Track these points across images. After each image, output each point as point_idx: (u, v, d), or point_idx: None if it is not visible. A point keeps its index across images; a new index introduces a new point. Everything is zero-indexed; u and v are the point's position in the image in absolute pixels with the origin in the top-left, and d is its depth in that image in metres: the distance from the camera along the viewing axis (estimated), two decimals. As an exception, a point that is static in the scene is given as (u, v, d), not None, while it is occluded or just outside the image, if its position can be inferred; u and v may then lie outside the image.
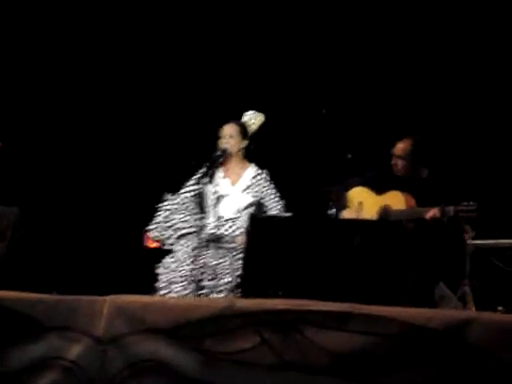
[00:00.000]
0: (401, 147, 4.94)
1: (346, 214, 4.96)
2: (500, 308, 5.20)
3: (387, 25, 6.32)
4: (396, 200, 4.83)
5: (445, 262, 4.96)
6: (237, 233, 4.72)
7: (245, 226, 4.70)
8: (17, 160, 6.46)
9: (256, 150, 4.97)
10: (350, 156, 5.43)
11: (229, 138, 4.82)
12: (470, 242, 5.32)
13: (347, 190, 5.01)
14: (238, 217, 4.76)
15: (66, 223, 6.51)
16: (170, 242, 4.71)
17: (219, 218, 4.75)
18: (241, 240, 4.62)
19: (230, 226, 4.74)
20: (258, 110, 4.98)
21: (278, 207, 4.80)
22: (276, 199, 4.82)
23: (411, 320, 2.79)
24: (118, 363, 2.95)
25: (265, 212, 4.81)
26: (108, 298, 3.05)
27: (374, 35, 6.33)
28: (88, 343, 2.98)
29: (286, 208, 4.86)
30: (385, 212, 4.88)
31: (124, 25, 6.60)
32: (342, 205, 4.97)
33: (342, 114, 6.24)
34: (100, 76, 6.62)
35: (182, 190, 4.89)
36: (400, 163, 4.93)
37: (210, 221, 4.76)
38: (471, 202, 4.60)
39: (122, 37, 6.60)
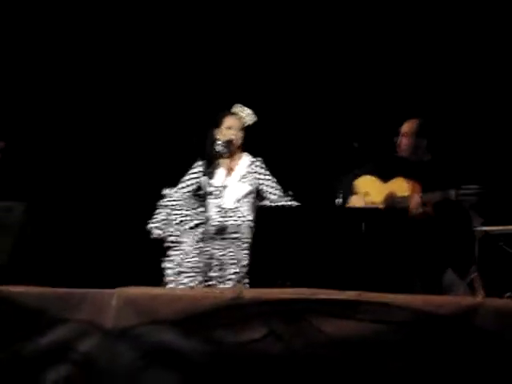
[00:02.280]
0: (407, 126, 5.05)
1: (354, 201, 4.98)
2: (508, 294, 5.20)
3: (388, 11, 6.31)
4: (401, 187, 4.89)
5: (453, 248, 4.96)
6: (239, 222, 4.73)
7: (245, 214, 4.71)
8: (23, 156, 6.48)
9: (261, 140, 4.96)
10: (356, 145, 5.43)
11: (237, 130, 4.80)
12: (478, 227, 5.32)
13: (353, 180, 5.06)
14: (238, 206, 4.76)
15: (73, 217, 6.52)
16: (173, 238, 4.71)
17: (220, 209, 4.75)
18: (244, 229, 4.63)
19: (232, 216, 4.74)
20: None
21: (277, 193, 4.80)
22: (273, 185, 4.81)
23: (420, 307, 2.80)
24: (127, 355, 2.96)
25: (264, 199, 4.81)
26: (116, 290, 3.06)
27: (375, 23, 6.32)
28: (98, 335, 3.00)
29: (294, 198, 4.86)
30: (390, 199, 4.92)
31: (119, 23, 6.59)
32: (349, 194, 5.00)
33: (348, 103, 6.23)
34: (99, 71, 6.62)
35: (182, 185, 4.88)
36: (404, 141, 5.01)
37: (212, 213, 4.76)
38: (473, 186, 4.62)
39: (117, 33, 6.60)
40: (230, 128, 4.81)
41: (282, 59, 6.45)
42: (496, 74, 6.17)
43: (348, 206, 4.94)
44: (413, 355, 2.79)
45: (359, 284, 3.35)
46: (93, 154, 6.61)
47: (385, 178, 4.98)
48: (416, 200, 4.77)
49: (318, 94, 6.30)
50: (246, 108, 4.90)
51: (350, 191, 5.02)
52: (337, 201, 4.85)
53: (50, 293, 3.09)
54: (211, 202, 4.78)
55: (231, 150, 4.83)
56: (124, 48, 6.61)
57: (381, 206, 4.90)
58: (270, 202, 4.77)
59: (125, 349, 2.96)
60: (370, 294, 2.88)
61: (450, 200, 4.70)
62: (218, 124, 4.84)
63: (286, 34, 6.45)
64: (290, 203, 4.71)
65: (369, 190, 4.99)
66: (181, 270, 4.57)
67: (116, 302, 3.00)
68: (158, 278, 4.70)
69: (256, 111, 4.97)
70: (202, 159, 4.85)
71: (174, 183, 4.99)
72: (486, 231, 5.44)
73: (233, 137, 4.80)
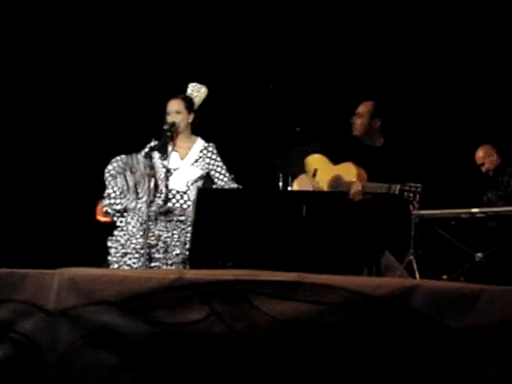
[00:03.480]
0: (362, 106, 5.15)
1: (298, 182, 5.05)
2: (444, 277, 5.32)
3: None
4: (348, 172, 4.97)
5: (390, 231, 5.05)
6: (185, 206, 4.74)
7: (193, 198, 4.72)
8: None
9: (206, 124, 4.97)
10: (298, 129, 5.49)
11: (175, 113, 4.81)
12: (415, 212, 5.43)
13: (305, 155, 5.13)
14: (188, 190, 4.78)
15: (14, 197, 6.45)
16: (126, 206, 4.68)
17: (169, 191, 4.76)
18: (190, 213, 4.64)
19: (179, 200, 4.76)
20: (206, 83, 4.97)
21: (225, 180, 4.83)
22: (223, 172, 4.84)
23: (358, 288, 2.85)
24: (68, 335, 2.95)
25: (212, 184, 4.83)
26: (58, 271, 3.05)
27: (319, 8, 6.37)
28: (38, 316, 2.98)
29: (236, 181, 4.89)
30: (336, 182, 4.99)
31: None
32: (298, 170, 5.08)
33: (290, 87, 6.28)
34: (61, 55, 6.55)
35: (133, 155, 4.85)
36: (358, 121, 5.11)
37: (160, 194, 4.76)
38: (417, 184, 4.69)
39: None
40: (168, 113, 4.82)
41: (226, 43, 6.46)
42: (449, 68, 6.29)
43: (291, 188, 5.01)
44: (351, 336, 2.84)
45: (299, 265, 3.40)
46: (34, 132, 6.54)
47: (335, 158, 5.07)
48: (357, 188, 4.84)
49: (260, 79, 6.33)
50: (199, 85, 4.90)
51: (297, 166, 5.10)
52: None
53: (-10, 273, 3.07)
54: (161, 183, 4.77)
55: (175, 132, 4.82)
56: (83, 28, 6.54)
57: (324, 189, 4.97)
58: (219, 187, 4.79)
59: (66, 329, 2.96)
60: (310, 276, 2.92)
61: (393, 194, 4.77)
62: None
63: (230, 17, 6.46)
64: (235, 187, 4.74)
65: (318, 168, 5.08)
66: (125, 252, 4.56)
67: (57, 282, 2.99)
68: (100, 259, 4.69)
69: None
70: (156, 139, 4.83)
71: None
72: (422, 215, 5.55)
73: (175, 120, 4.80)
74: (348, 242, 3.91)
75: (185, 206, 4.74)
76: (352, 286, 2.86)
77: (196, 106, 4.90)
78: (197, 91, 4.90)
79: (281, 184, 5.13)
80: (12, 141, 6.53)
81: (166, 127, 4.78)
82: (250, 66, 6.42)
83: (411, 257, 5.38)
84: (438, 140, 6.26)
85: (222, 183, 4.81)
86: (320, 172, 5.06)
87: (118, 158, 4.81)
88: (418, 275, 5.24)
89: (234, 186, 4.79)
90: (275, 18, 6.41)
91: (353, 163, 4.96)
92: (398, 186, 4.70)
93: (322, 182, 5.02)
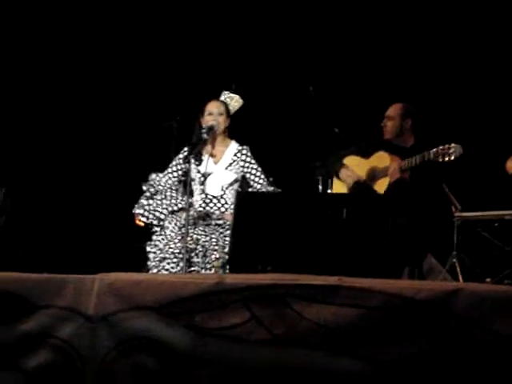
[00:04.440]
0: (392, 108, 5.12)
1: (342, 174, 5.04)
2: (488, 279, 5.24)
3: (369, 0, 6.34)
4: (382, 159, 4.98)
5: (433, 234, 5.00)
6: (223, 210, 4.74)
7: (230, 202, 4.72)
8: (2, 141, 6.45)
9: (244, 127, 4.97)
10: (337, 130, 5.47)
11: (218, 115, 4.81)
12: (457, 214, 5.36)
13: (342, 158, 5.12)
14: (223, 194, 4.76)
15: (54, 202, 6.50)
16: (156, 222, 4.71)
17: (205, 196, 4.76)
18: (228, 217, 4.63)
19: (216, 204, 4.75)
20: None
21: (261, 181, 4.81)
22: (258, 174, 4.82)
23: (399, 292, 2.81)
24: (108, 341, 2.96)
25: (248, 187, 4.82)
26: (98, 276, 3.06)
27: (356, 13, 6.34)
28: (79, 321, 2.99)
29: (276, 184, 4.87)
30: (372, 172, 4.99)
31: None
32: (338, 166, 5.07)
33: (328, 89, 6.25)
34: (83, 61, 6.59)
35: (168, 170, 4.88)
36: (389, 124, 5.08)
37: (197, 199, 4.76)
38: (452, 144, 4.65)
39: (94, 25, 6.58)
40: (210, 114, 4.82)
41: (263, 45, 6.45)
42: (478, 59, 6.21)
43: (337, 179, 5.02)
44: (392, 340, 2.80)
45: (340, 269, 3.37)
46: (74, 138, 6.60)
47: (367, 156, 5.07)
48: (394, 167, 4.84)
49: (299, 81, 6.31)
50: (232, 94, 4.90)
51: (335, 169, 5.09)
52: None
53: (31, 278, 3.09)
54: (196, 188, 4.78)
55: (214, 135, 4.83)
56: (104, 33, 6.58)
57: (363, 180, 4.96)
58: (255, 190, 4.79)
59: (106, 335, 2.96)
60: (350, 279, 2.90)
61: (429, 164, 4.73)
62: (201, 112, 4.85)
63: (267, 22, 6.45)
64: (272, 190, 4.73)
65: (353, 168, 5.07)
66: (164, 256, 4.57)
67: (97, 287, 3.00)
68: (140, 264, 4.70)
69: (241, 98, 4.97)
70: (189, 146, 4.85)
71: (156, 166, 4.99)
72: (464, 217, 5.48)
73: (214, 122, 4.80)
74: (389, 245, 3.87)
75: (222, 210, 4.74)
76: (393, 289, 2.82)
77: (230, 113, 4.90)
78: (230, 99, 4.89)
79: (320, 187, 5.11)
80: (51, 146, 6.59)
81: (204, 129, 4.78)
82: (290, 68, 6.40)
83: (454, 260, 5.31)
84: (479, 139, 6.17)
85: (258, 185, 4.79)
86: (355, 169, 5.06)
87: (154, 176, 4.83)
88: (461, 278, 5.17)
89: (270, 188, 4.78)
90: (316, 20, 6.39)
91: (384, 151, 4.97)
92: (432, 151, 4.67)
93: (359, 177, 5.02)
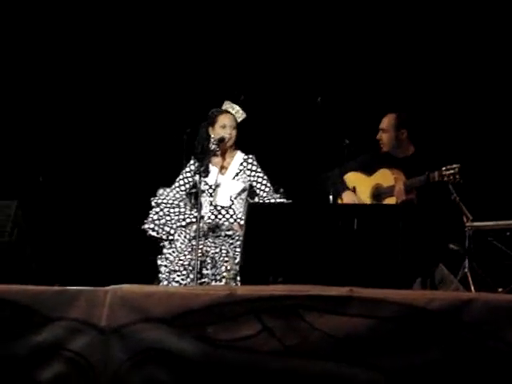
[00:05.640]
0: (384, 121, 5.10)
1: (346, 197, 5.00)
2: (500, 289, 5.22)
3: (377, 13, 6.35)
4: (385, 177, 4.94)
5: (445, 244, 4.99)
6: (231, 220, 4.74)
7: (238, 212, 4.72)
8: (14, 153, 6.47)
9: (254, 138, 4.98)
10: (347, 142, 5.46)
11: (232, 128, 4.81)
12: (469, 224, 5.34)
13: (344, 173, 5.09)
14: (232, 204, 4.76)
15: (65, 215, 6.52)
16: (165, 237, 4.72)
17: (214, 207, 4.75)
18: (237, 227, 4.63)
19: (225, 215, 4.75)
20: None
21: (267, 190, 4.80)
22: (264, 182, 4.81)
23: (411, 302, 2.81)
24: (121, 353, 2.96)
25: (255, 195, 4.81)
26: (110, 288, 3.07)
27: (363, 24, 6.36)
28: (91, 334, 3.00)
29: (285, 194, 4.87)
30: (377, 191, 4.96)
31: (106, 21, 6.60)
32: (341, 188, 5.03)
33: (337, 100, 6.25)
34: (94, 73, 6.62)
35: (176, 184, 4.88)
36: (384, 137, 5.06)
37: (206, 210, 4.77)
38: (454, 165, 4.64)
39: (104, 33, 6.61)
40: (224, 127, 4.81)
41: (271, 55, 6.47)
42: (474, 69, 6.21)
43: (339, 202, 4.97)
44: (404, 350, 2.80)
45: (351, 280, 3.36)
46: (85, 152, 6.62)
47: (369, 171, 5.03)
48: (399, 188, 4.81)
49: (308, 92, 6.32)
50: (234, 105, 4.91)
51: (340, 186, 5.05)
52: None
53: (43, 291, 3.10)
54: (205, 200, 4.78)
55: (224, 147, 4.84)
56: (114, 46, 6.61)
57: (368, 202, 4.94)
58: (261, 198, 4.78)
59: (118, 347, 2.97)
60: (362, 290, 2.90)
61: (434, 183, 4.71)
62: (211, 122, 4.83)
63: (275, 31, 6.46)
64: (280, 200, 4.72)
65: (356, 185, 5.03)
66: (174, 269, 4.57)
67: (110, 299, 3.00)
68: (151, 276, 4.71)
69: (247, 108, 4.98)
70: (196, 158, 4.86)
71: (166, 180, 5.00)
72: (476, 227, 5.46)
73: (227, 135, 4.81)
74: (400, 256, 3.87)
75: (231, 221, 4.73)
76: (404, 299, 2.82)
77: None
78: (232, 109, 4.88)
79: (331, 197, 5.09)
80: (63, 159, 6.62)
81: (214, 141, 4.78)
82: (299, 79, 6.41)
83: (466, 269, 5.29)
84: (490, 149, 6.16)
85: (264, 194, 4.79)
86: (359, 188, 5.02)
87: (162, 191, 4.83)
88: (473, 288, 5.15)
89: (276, 196, 4.77)
90: (324, 32, 6.41)
91: (387, 168, 4.94)
92: (436, 173, 4.66)
93: (364, 196, 4.98)
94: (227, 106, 4.91)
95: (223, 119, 4.84)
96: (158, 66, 6.59)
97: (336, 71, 6.38)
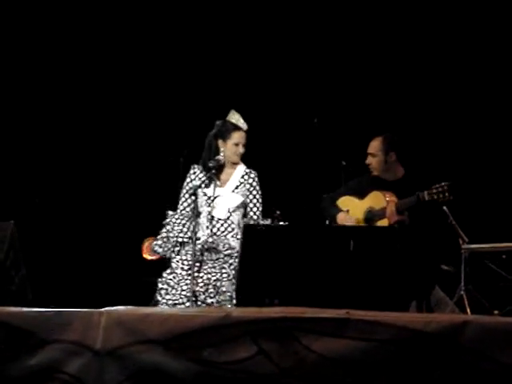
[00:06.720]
0: (372, 145, 5.07)
1: (340, 218, 5.00)
2: (496, 312, 5.21)
3: (371, 41, 6.39)
4: (377, 200, 4.92)
5: (440, 266, 4.98)
6: (226, 233, 4.69)
7: (235, 226, 4.69)
8: (11, 175, 6.47)
9: (251, 159, 4.96)
10: (344, 163, 5.46)
11: (243, 146, 4.79)
12: (464, 246, 5.35)
13: (335, 200, 5.08)
14: (230, 217, 4.73)
15: (61, 237, 6.51)
16: (169, 255, 4.71)
17: (212, 218, 4.71)
18: (234, 243, 4.59)
19: (219, 228, 4.70)
20: (251, 117, 4.97)
21: (258, 213, 4.75)
22: (257, 204, 4.77)
23: (408, 325, 2.80)
24: (116, 375, 2.95)
25: (245, 213, 4.78)
26: (105, 310, 3.06)
27: (357, 48, 6.40)
28: (86, 356, 2.99)
29: (282, 217, 4.85)
30: (370, 214, 4.94)
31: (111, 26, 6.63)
32: (333, 212, 5.01)
33: (334, 121, 6.28)
34: (91, 91, 6.64)
35: (182, 200, 4.86)
36: (373, 161, 5.03)
37: (203, 221, 4.72)
38: (443, 183, 4.64)
39: (109, 40, 6.63)
40: (237, 144, 4.77)
41: (268, 76, 6.49)
42: (463, 86, 6.25)
43: (335, 224, 4.96)
44: (401, 373, 2.79)
45: (348, 302, 3.36)
46: (80, 175, 6.62)
47: (361, 195, 5.02)
48: (391, 209, 4.79)
49: (305, 113, 6.34)
50: (239, 116, 4.87)
51: (331, 211, 5.04)
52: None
53: (39, 313, 3.09)
54: (203, 210, 4.74)
55: (220, 167, 4.82)
56: (118, 57, 6.63)
57: (361, 223, 4.93)
58: (249, 218, 4.75)
59: (113, 369, 2.95)
60: (358, 312, 2.89)
61: (425, 203, 4.70)
62: (224, 137, 4.77)
63: (271, 53, 6.50)
64: (266, 223, 4.64)
65: (349, 209, 5.02)
66: (176, 300, 4.53)
67: (104, 321, 2.99)
68: (148, 297, 4.69)
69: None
70: (204, 169, 4.81)
71: (161, 203, 4.98)
72: (472, 249, 5.47)
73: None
74: (396, 278, 3.86)
75: (226, 233, 4.68)
76: (401, 322, 2.81)
77: None
78: (236, 120, 4.85)
79: (327, 220, 5.08)
80: (59, 180, 6.61)
81: (212, 165, 4.75)
82: (296, 99, 6.44)
83: (462, 292, 5.29)
84: (486, 171, 6.17)
85: (254, 216, 4.74)
86: (352, 211, 5.00)
87: (171, 213, 4.82)
88: (468, 310, 5.14)
89: (263, 221, 4.73)
90: (322, 52, 6.44)
91: (378, 190, 4.92)
92: (426, 192, 4.65)
93: (357, 220, 4.97)
94: (236, 116, 4.84)
95: (238, 137, 4.78)
96: (154, 89, 6.61)
97: (333, 93, 6.41)
